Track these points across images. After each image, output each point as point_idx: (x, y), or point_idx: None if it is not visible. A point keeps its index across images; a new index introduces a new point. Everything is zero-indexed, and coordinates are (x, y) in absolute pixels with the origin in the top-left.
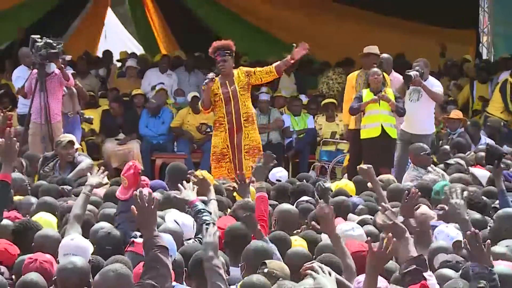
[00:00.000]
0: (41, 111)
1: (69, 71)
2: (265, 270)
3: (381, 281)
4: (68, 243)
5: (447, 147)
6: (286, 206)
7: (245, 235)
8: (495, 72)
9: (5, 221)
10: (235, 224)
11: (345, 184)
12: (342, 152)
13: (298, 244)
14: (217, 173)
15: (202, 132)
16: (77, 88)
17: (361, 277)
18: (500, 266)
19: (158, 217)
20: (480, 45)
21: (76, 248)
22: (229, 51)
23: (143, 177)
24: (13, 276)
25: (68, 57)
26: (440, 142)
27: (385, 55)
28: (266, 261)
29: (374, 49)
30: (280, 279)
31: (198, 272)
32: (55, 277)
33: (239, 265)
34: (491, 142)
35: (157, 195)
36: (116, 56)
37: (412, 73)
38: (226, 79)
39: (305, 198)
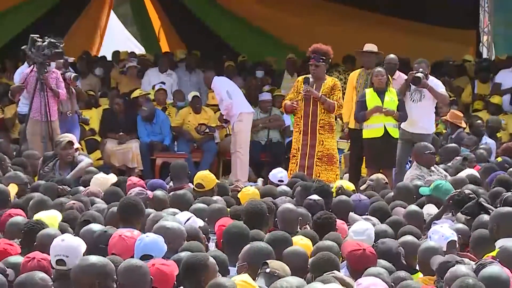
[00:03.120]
0: (41, 109)
1: (72, 73)
2: (267, 270)
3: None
4: (58, 244)
5: (453, 145)
6: (286, 205)
7: (244, 235)
8: (496, 72)
9: (17, 218)
10: (234, 223)
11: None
12: (342, 151)
13: (304, 243)
14: (291, 169)
15: (201, 132)
16: (77, 90)
17: (362, 280)
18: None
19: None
20: (481, 44)
21: (66, 249)
22: (324, 57)
23: (138, 179)
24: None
25: (71, 59)
26: (442, 141)
27: (390, 55)
28: (268, 261)
29: (373, 47)
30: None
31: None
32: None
33: (237, 265)
34: (491, 141)
35: (159, 193)
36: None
37: (420, 75)
38: (315, 83)
39: (313, 197)
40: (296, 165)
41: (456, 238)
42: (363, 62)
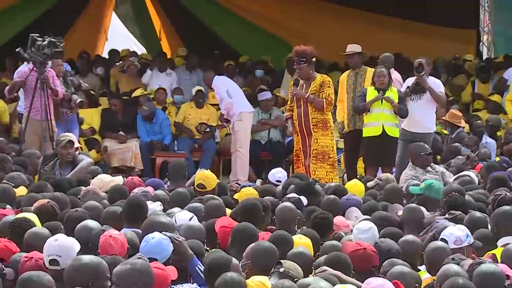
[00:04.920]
0: (42, 108)
1: (78, 98)
2: (281, 270)
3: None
4: (51, 244)
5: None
6: (285, 204)
7: (253, 235)
8: (496, 71)
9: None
10: (243, 223)
11: (355, 183)
12: (342, 151)
13: (303, 242)
14: (299, 171)
15: (201, 132)
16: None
17: (372, 279)
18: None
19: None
20: (481, 44)
21: (59, 249)
22: (304, 59)
23: (137, 178)
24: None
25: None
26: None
27: (385, 54)
28: (282, 261)
29: (355, 47)
30: (295, 279)
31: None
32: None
33: (241, 263)
34: (491, 141)
35: (160, 193)
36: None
37: (423, 60)
38: (305, 83)
39: (291, 195)
40: (302, 165)
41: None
42: (348, 63)
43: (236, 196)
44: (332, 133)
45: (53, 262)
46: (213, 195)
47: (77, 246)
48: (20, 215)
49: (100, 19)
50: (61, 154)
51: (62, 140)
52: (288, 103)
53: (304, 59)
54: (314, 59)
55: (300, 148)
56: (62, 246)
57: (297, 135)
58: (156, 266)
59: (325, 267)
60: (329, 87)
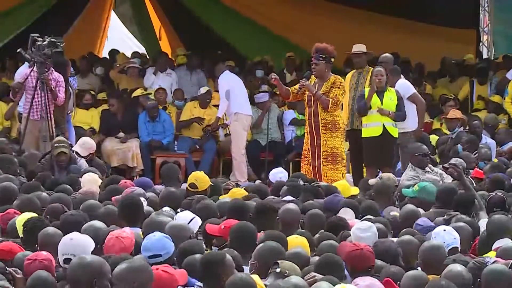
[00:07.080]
0: (42, 108)
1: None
2: (277, 270)
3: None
4: (66, 243)
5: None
6: (288, 206)
7: (251, 235)
8: (496, 72)
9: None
10: (241, 223)
11: (342, 184)
12: None
13: (299, 241)
14: (303, 171)
15: (206, 134)
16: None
17: (359, 280)
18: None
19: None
20: (481, 44)
21: (74, 248)
22: (324, 56)
23: (129, 181)
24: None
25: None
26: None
27: (385, 54)
28: (278, 261)
29: (361, 47)
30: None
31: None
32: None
33: (250, 263)
34: (491, 141)
35: (150, 194)
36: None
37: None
38: (319, 82)
39: (288, 198)
40: (309, 166)
41: (458, 244)
42: (354, 63)
43: (225, 196)
44: (341, 134)
45: (67, 261)
46: (204, 196)
47: (91, 245)
48: (27, 215)
49: (100, 19)
50: (55, 159)
51: (56, 146)
52: (294, 88)
53: (323, 56)
54: (332, 60)
55: (308, 148)
56: (77, 245)
57: (307, 134)
58: (165, 269)
59: (313, 273)
60: (338, 88)
